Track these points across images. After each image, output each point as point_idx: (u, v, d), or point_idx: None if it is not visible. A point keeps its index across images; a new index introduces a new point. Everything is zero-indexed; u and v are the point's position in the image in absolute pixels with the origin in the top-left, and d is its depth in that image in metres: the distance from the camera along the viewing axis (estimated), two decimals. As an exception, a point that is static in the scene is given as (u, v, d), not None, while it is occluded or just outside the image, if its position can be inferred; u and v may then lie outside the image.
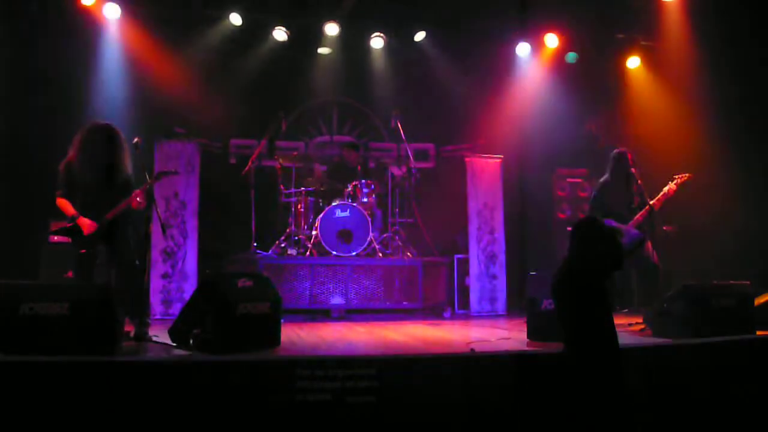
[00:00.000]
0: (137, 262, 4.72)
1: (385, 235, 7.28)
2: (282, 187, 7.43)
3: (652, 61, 8.33)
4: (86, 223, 4.60)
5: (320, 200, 7.31)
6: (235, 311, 3.77)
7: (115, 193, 4.71)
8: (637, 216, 5.46)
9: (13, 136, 6.81)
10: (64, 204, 4.66)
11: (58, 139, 6.15)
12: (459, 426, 3.37)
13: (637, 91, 8.47)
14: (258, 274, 5.50)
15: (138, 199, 4.62)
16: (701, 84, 7.62)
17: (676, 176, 5.55)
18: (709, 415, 3.66)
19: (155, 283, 6.24)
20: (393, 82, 8.49)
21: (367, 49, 8.34)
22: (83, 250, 4.62)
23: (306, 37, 8.03)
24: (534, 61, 8.47)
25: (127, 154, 4.77)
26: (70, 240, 4.68)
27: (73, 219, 4.62)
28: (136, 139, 4.59)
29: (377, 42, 8.29)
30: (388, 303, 6.85)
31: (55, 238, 6.39)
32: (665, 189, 5.50)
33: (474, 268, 7.01)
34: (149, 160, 6.13)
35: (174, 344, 3.99)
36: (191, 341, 3.73)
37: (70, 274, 4.90)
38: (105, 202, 4.69)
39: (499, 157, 7.35)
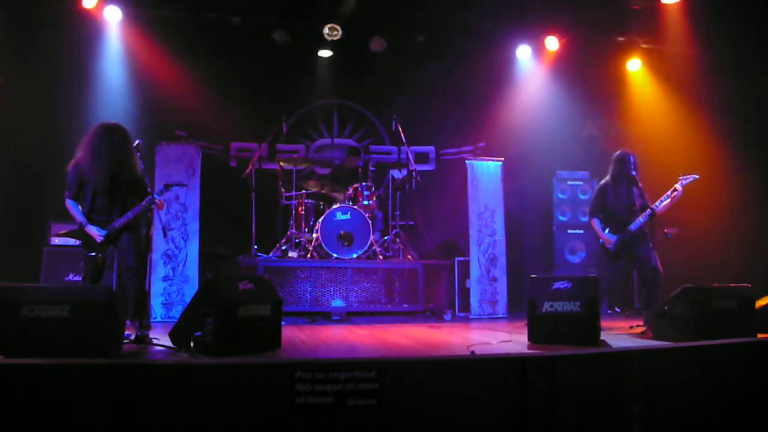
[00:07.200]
0: (139, 265, 4.72)
1: (385, 238, 7.28)
2: (282, 190, 7.44)
3: (653, 63, 8.32)
4: (94, 234, 4.61)
5: (321, 203, 7.31)
6: (236, 314, 3.77)
7: (124, 194, 4.71)
8: (638, 218, 5.44)
9: (14, 139, 6.81)
10: (72, 208, 4.68)
11: (58, 141, 6.19)
12: (460, 428, 3.37)
13: (637, 94, 8.46)
14: (259, 277, 5.50)
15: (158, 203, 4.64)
16: (702, 86, 7.62)
17: (681, 177, 5.47)
18: (709, 418, 3.65)
19: (156, 286, 6.24)
20: (393, 85, 8.48)
21: (367, 51, 8.34)
22: (94, 253, 4.63)
23: (306, 39, 8.03)
24: (535, 63, 8.47)
25: (135, 154, 4.75)
26: (79, 242, 4.69)
27: (80, 227, 4.63)
28: (136, 142, 4.60)
29: (377, 44, 8.28)
30: (388, 305, 6.85)
31: (57, 240, 6.41)
32: (671, 192, 5.42)
33: (474, 270, 7.00)
34: (150, 163, 6.13)
35: (175, 347, 3.99)
36: (192, 344, 3.73)
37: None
38: (114, 205, 4.71)
39: (500, 160, 7.34)
